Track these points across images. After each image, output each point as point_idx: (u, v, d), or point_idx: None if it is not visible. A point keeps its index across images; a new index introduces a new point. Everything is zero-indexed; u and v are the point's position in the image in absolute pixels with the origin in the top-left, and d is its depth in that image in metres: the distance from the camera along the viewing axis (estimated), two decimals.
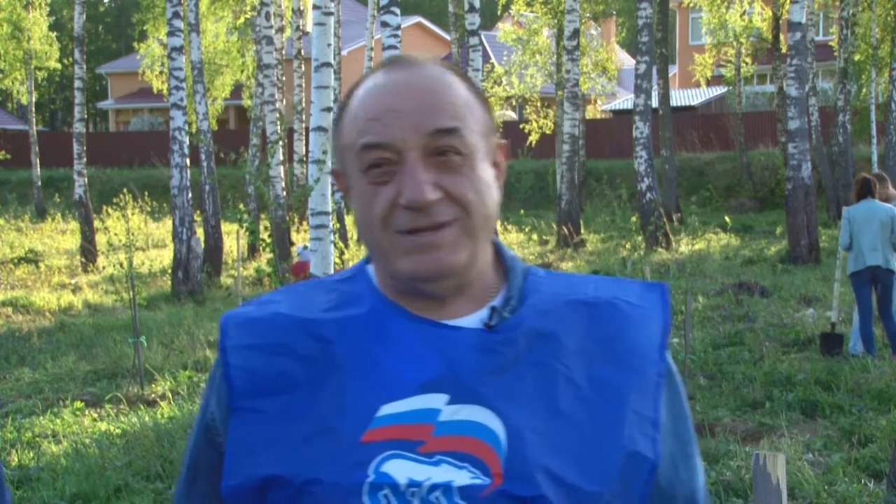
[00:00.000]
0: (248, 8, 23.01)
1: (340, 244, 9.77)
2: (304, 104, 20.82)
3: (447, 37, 37.77)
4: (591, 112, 34.23)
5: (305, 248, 10.73)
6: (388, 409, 1.10)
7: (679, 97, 35.30)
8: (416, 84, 1.13)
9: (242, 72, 23.59)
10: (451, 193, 1.11)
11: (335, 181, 1.24)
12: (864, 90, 23.40)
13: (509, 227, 21.41)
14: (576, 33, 18.91)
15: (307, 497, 1.09)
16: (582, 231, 19.22)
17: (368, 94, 1.15)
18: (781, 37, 22.34)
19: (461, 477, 1.06)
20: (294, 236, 18.53)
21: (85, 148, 17.30)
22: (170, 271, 14.35)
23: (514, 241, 19.87)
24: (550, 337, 1.15)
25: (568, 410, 1.12)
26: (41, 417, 7.01)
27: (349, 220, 19.99)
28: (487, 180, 1.15)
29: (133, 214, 20.96)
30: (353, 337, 1.15)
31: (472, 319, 1.15)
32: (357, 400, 1.11)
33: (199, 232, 15.43)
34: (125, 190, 21.82)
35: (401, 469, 1.07)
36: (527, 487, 1.06)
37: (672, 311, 10.50)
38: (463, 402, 1.10)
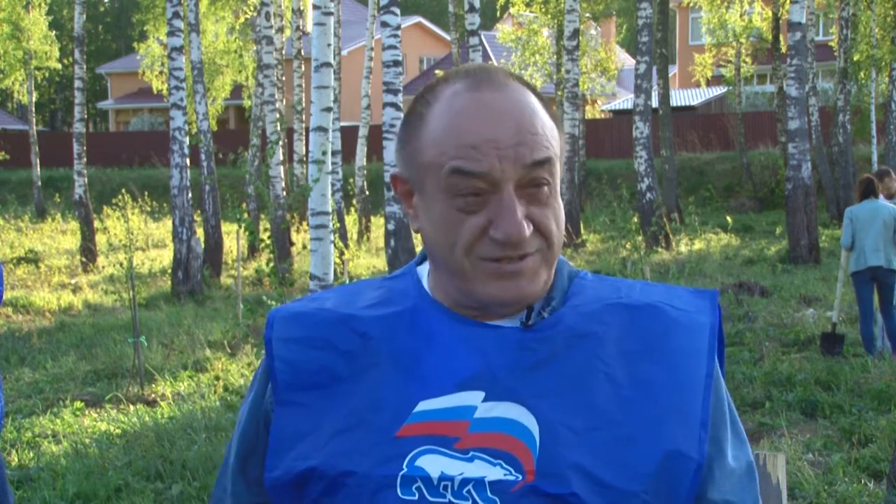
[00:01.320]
0: (249, 8, 23.01)
1: (340, 244, 9.78)
2: (304, 104, 20.82)
3: (447, 37, 37.78)
4: (591, 112, 34.22)
5: None
6: (424, 405, 1.11)
7: (679, 97, 35.30)
8: (510, 110, 1.11)
9: (241, 72, 23.55)
10: (539, 226, 1.11)
11: (393, 185, 1.21)
12: (864, 90, 23.40)
13: None
14: (576, 33, 18.91)
15: (342, 489, 1.11)
16: (582, 231, 19.21)
17: (459, 115, 1.11)
18: (781, 37, 22.35)
19: (494, 473, 1.07)
20: (294, 236, 18.54)
21: (85, 148, 17.29)
22: (170, 271, 14.35)
23: None
24: (590, 336, 1.15)
25: (605, 408, 1.11)
26: (41, 417, 7.00)
27: (349, 219, 20.01)
28: (562, 206, 1.16)
29: (133, 214, 20.96)
30: (393, 333, 1.17)
31: (513, 320, 1.16)
32: (394, 395, 1.13)
33: (199, 232, 15.42)
34: (125, 190, 21.82)
35: (434, 463, 1.08)
36: (558, 485, 1.07)
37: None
38: (498, 399, 1.11)
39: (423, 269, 1.25)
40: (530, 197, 1.11)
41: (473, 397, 1.11)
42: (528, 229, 1.09)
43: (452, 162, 1.09)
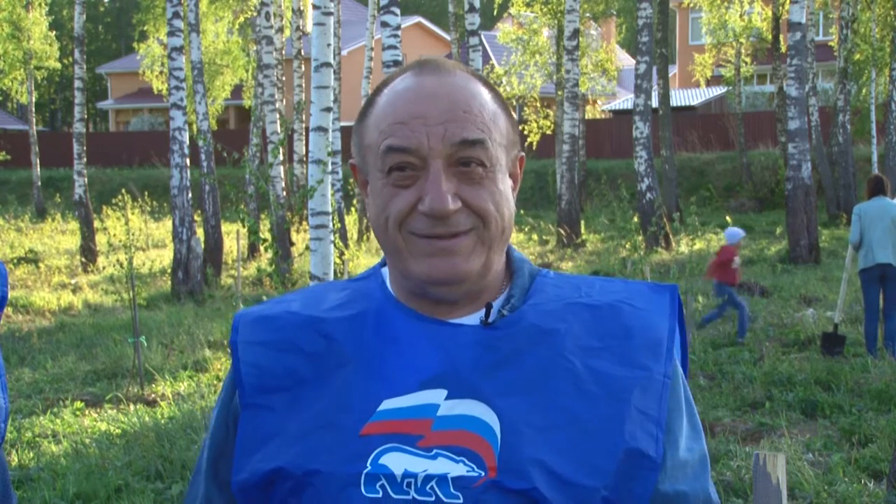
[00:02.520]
0: (248, 8, 22.99)
1: (340, 244, 9.78)
2: (304, 104, 20.82)
3: (447, 37, 37.79)
4: (591, 112, 34.22)
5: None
6: (388, 403, 1.12)
7: (679, 97, 35.30)
8: (446, 92, 1.14)
9: (247, 70, 23.47)
10: (471, 204, 1.12)
11: (353, 174, 1.25)
12: (864, 90, 23.40)
13: None
14: (576, 33, 18.90)
15: (308, 488, 1.12)
16: (582, 231, 19.22)
17: (397, 97, 1.15)
18: (781, 37, 22.35)
19: (457, 469, 1.08)
20: (294, 236, 18.54)
21: (85, 148, 17.29)
22: (170, 271, 14.35)
23: (514, 241, 19.87)
24: (552, 333, 1.16)
25: (567, 404, 1.12)
26: (41, 417, 7.00)
27: (349, 219, 20.00)
28: (506, 193, 1.16)
29: (133, 214, 20.95)
30: (357, 334, 1.18)
31: (474, 318, 1.18)
32: (359, 394, 1.14)
33: (199, 232, 15.42)
34: (125, 190, 21.82)
35: (398, 461, 1.09)
36: (520, 480, 1.07)
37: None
38: (460, 396, 1.12)
39: (387, 270, 1.26)
40: (462, 175, 1.12)
41: (436, 395, 1.12)
42: (453, 204, 1.11)
43: (387, 140, 1.13)
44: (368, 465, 1.09)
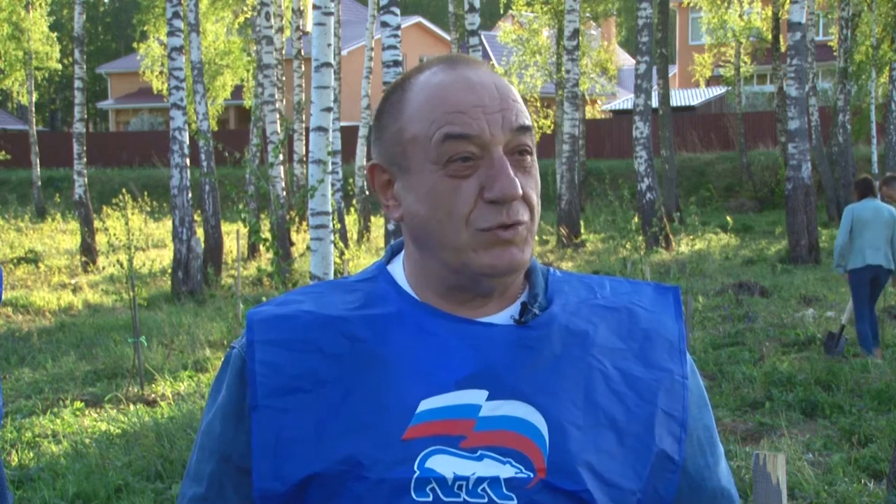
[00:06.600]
0: (248, 8, 22.98)
1: (340, 244, 9.77)
2: (304, 104, 20.81)
3: (447, 37, 37.76)
4: (591, 112, 34.22)
5: None
6: (427, 404, 1.10)
7: (679, 97, 35.30)
8: (492, 81, 1.14)
9: (248, 70, 23.44)
10: (525, 194, 1.12)
11: (370, 177, 1.20)
12: (864, 90, 23.40)
13: None
14: (576, 33, 18.90)
15: (346, 494, 1.09)
16: (582, 231, 19.22)
17: (441, 88, 1.13)
18: (781, 37, 22.35)
19: (505, 471, 1.08)
20: (294, 236, 18.53)
21: (85, 148, 17.29)
22: (170, 271, 14.35)
23: None
24: (582, 335, 1.17)
25: (604, 405, 1.13)
26: (41, 417, 7.00)
27: (349, 219, 20.00)
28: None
29: (133, 214, 20.94)
30: (385, 334, 1.14)
31: (502, 316, 1.16)
32: (394, 396, 1.11)
33: (199, 232, 15.42)
34: (125, 190, 21.82)
35: (445, 464, 1.08)
36: (571, 481, 1.08)
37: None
38: (503, 397, 1.11)
39: (396, 269, 1.22)
40: (516, 164, 1.12)
41: (477, 396, 1.10)
42: (520, 189, 1.10)
43: (444, 128, 1.10)
44: (416, 469, 1.07)
